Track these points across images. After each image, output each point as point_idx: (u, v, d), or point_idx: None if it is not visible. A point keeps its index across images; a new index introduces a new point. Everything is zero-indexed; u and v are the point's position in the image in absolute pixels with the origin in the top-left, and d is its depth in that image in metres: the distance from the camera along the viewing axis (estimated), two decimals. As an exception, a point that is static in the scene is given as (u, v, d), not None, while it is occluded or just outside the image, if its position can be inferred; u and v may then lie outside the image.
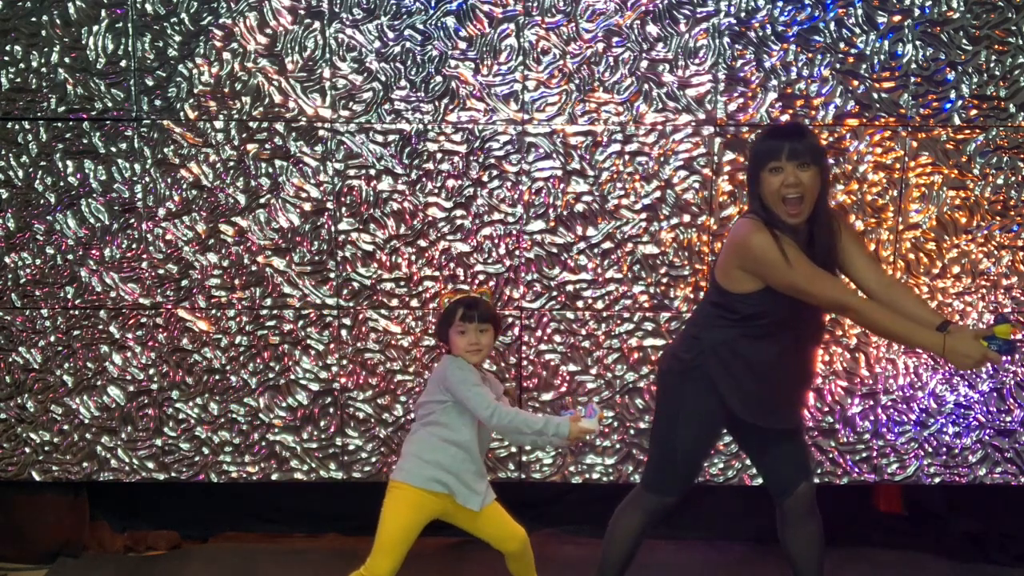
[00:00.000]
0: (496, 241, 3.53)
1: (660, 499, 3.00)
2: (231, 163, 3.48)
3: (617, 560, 3.08)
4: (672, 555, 3.56)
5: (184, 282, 3.55)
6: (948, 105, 3.44)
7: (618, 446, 3.66)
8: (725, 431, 3.16)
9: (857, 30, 3.40)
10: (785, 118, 3.43)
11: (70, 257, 3.53)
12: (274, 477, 3.68)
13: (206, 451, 3.66)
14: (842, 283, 2.85)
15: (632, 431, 3.64)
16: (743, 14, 3.39)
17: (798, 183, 2.72)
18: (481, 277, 3.54)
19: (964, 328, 2.82)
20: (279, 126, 3.46)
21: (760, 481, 3.65)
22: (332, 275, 3.55)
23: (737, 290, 2.81)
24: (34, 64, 3.42)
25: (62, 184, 3.49)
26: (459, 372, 2.93)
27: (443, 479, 2.93)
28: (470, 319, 2.95)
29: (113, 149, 3.47)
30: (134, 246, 3.53)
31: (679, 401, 2.94)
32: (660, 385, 3.04)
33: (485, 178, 3.49)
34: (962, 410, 3.63)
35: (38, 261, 3.54)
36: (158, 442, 3.65)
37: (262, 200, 3.51)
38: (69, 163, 3.48)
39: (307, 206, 3.51)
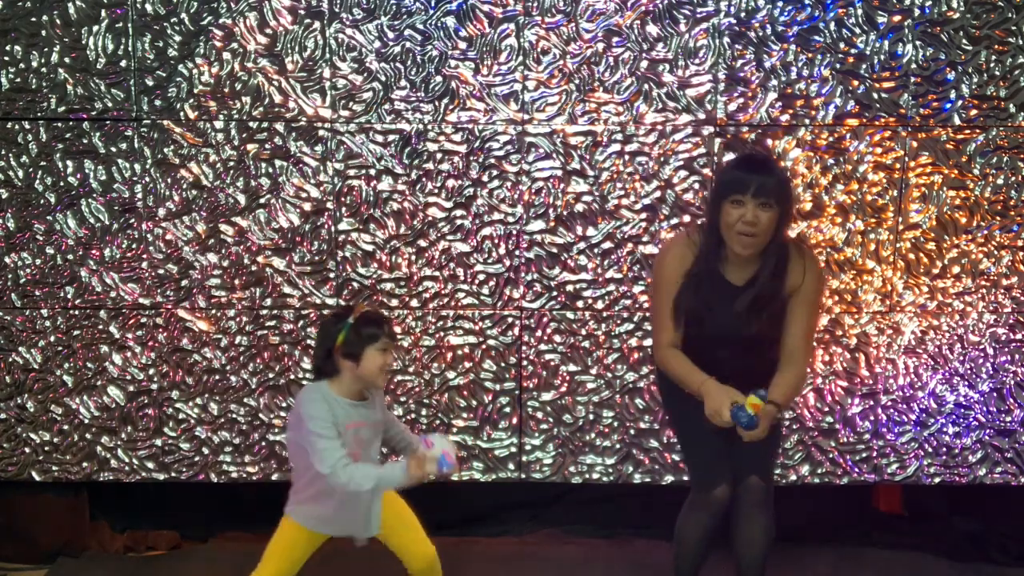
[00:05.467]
0: (496, 241, 3.53)
1: (708, 492, 2.94)
2: (231, 163, 3.48)
3: (690, 567, 3.09)
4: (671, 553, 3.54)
5: (184, 282, 3.55)
6: (948, 105, 3.44)
7: (618, 446, 3.65)
8: None
9: (857, 30, 3.40)
10: (785, 118, 3.44)
11: (70, 257, 3.53)
12: (274, 477, 3.68)
13: (206, 451, 3.66)
14: (668, 330, 2.86)
15: (632, 431, 3.64)
16: (743, 14, 3.39)
17: (755, 222, 2.73)
18: (481, 277, 3.54)
19: (731, 388, 2.73)
20: (279, 126, 3.46)
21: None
22: (332, 275, 3.55)
23: None
24: (34, 64, 3.42)
25: (62, 184, 3.49)
26: (315, 409, 2.67)
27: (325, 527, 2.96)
28: (392, 336, 2.78)
29: (113, 149, 3.47)
30: (134, 246, 3.53)
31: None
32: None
33: (485, 178, 3.49)
34: (962, 410, 3.63)
35: (38, 261, 3.54)
36: (158, 442, 3.65)
37: (262, 200, 3.51)
38: (69, 163, 3.48)
39: (307, 206, 3.51)
